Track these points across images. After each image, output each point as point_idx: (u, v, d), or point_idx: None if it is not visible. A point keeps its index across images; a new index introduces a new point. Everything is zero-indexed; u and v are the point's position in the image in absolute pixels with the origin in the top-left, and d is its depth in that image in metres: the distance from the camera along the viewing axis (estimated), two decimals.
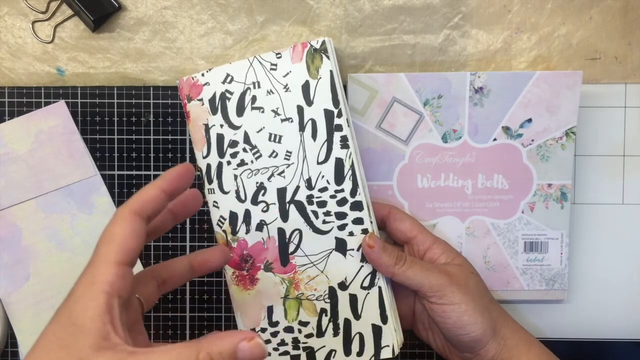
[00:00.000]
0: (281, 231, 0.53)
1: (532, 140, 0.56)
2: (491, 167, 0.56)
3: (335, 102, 0.52)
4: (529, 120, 0.56)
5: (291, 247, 0.53)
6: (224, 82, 0.53)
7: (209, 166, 0.54)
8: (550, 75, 0.55)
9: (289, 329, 0.54)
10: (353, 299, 0.53)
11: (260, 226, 0.53)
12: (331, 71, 0.52)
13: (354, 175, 0.52)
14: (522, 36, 0.58)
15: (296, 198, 0.53)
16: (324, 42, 0.52)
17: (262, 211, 0.53)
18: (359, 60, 0.59)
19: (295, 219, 0.53)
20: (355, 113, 0.56)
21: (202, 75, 0.54)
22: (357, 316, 0.53)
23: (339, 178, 0.52)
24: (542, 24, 0.58)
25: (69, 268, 0.57)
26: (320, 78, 0.52)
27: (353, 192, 0.52)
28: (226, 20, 0.59)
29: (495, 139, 0.56)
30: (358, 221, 0.52)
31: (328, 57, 0.52)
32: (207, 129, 0.54)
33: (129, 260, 0.38)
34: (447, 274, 0.51)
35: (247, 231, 0.54)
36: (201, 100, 0.54)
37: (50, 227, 0.57)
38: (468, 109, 0.56)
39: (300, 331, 0.54)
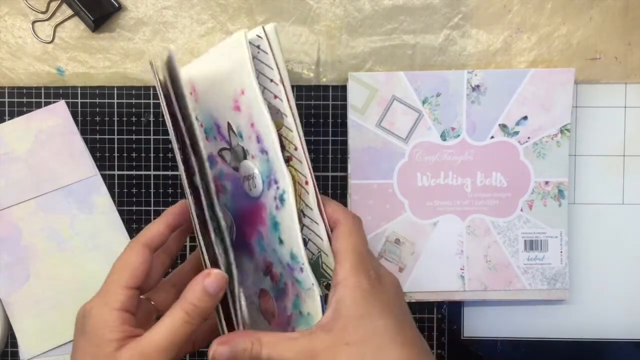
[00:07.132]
0: None
1: (529, 138, 0.56)
2: (489, 165, 0.56)
3: None
4: (525, 118, 0.56)
5: None
6: None
7: None
8: (544, 72, 0.55)
9: None
10: None
11: None
12: None
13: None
14: (522, 36, 0.59)
15: None
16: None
17: None
18: (359, 60, 0.59)
19: None
20: (356, 111, 0.56)
21: None
22: None
23: None
24: (542, 24, 0.58)
25: (69, 268, 0.57)
26: None
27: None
28: (226, 20, 0.59)
29: (492, 137, 0.56)
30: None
31: None
32: None
33: (138, 284, 0.43)
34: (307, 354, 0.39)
35: None
36: None
37: (50, 227, 0.57)
38: (466, 107, 0.56)
39: None
